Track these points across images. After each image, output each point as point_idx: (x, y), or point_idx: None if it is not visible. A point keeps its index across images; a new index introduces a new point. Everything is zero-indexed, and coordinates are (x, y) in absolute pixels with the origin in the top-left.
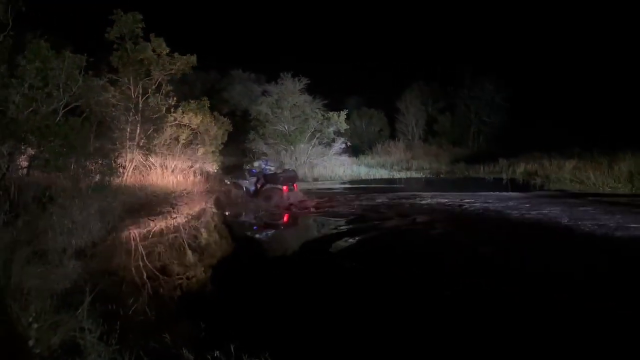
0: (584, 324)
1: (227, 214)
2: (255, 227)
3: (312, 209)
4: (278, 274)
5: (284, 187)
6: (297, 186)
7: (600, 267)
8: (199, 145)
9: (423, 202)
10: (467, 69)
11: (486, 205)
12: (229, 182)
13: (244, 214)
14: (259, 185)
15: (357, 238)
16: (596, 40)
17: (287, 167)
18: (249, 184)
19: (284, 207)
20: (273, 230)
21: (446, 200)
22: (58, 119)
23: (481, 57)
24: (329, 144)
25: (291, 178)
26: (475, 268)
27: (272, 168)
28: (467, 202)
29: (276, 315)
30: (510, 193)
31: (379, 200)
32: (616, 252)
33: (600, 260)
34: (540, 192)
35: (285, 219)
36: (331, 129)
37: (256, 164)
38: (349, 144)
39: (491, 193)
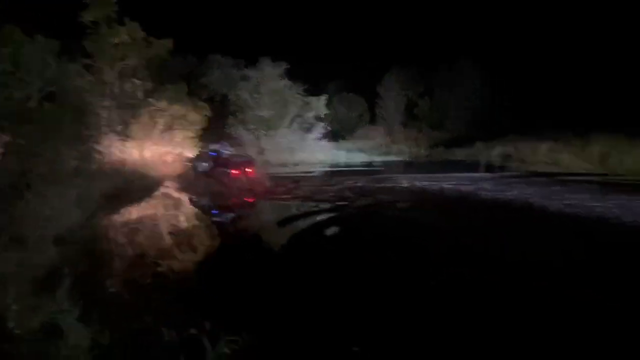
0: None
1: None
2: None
3: (272, 194)
4: None
5: (234, 171)
6: (254, 171)
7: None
8: (178, 131)
9: (396, 184)
10: (445, 53)
11: (458, 187)
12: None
13: (195, 197)
14: (209, 169)
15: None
16: (572, 24)
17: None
18: (201, 167)
19: (231, 190)
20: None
21: (421, 183)
22: (33, 104)
23: (459, 41)
24: (309, 129)
25: (243, 163)
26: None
27: (228, 152)
28: (436, 184)
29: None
30: (483, 174)
31: (351, 184)
32: (582, 231)
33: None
34: (513, 174)
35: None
36: (311, 114)
37: (216, 147)
38: (329, 129)
39: (465, 174)
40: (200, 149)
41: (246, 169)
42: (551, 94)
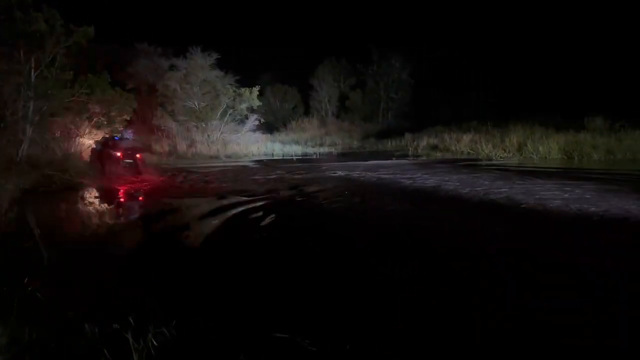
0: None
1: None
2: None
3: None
4: None
5: (119, 154)
6: (142, 158)
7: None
8: (104, 122)
9: (324, 174)
10: (375, 46)
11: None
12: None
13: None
14: (99, 150)
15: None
16: (498, 19)
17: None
18: (98, 147)
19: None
20: None
21: (348, 173)
22: None
23: (388, 34)
24: (242, 121)
25: (130, 148)
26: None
27: (129, 139)
28: (360, 172)
29: None
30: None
31: (273, 175)
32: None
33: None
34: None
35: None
36: (244, 106)
37: (123, 134)
38: (262, 120)
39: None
40: (105, 135)
41: (135, 155)
42: (472, 85)
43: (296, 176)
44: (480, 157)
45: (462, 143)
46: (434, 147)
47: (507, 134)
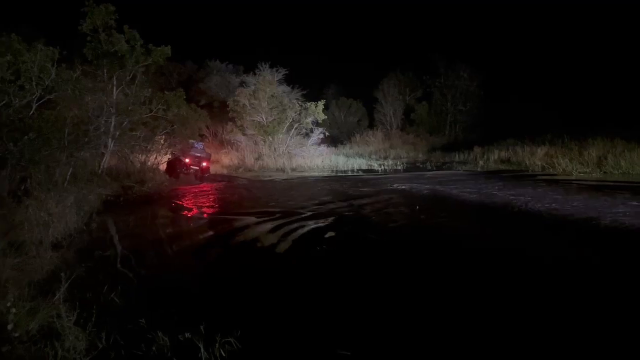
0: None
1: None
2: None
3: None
4: None
5: (187, 160)
6: (208, 167)
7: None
8: (177, 137)
9: (387, 188)
10: (441, 58)
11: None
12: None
13: None
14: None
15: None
16: (569, 28)
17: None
18: (172, 156)
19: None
20: None
21: (412, 186)
22: (32, 112)
23: (455, 45)
24: (307, 134)
25: (198, 157)
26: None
27: (200, 148)
28: (428, 186)
29: None
30: (472, 174)
31: (340, 188)
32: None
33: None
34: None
35: None
36: (309, 119)
37: (199, 145)
38: (327, 134)
39: (457, 175)
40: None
41: (203, 162)
42: (548, 96)
43: (363, 189)
44: (556, 172)
45: (537, 157)
46: (506, 161)
47: (586, 148)
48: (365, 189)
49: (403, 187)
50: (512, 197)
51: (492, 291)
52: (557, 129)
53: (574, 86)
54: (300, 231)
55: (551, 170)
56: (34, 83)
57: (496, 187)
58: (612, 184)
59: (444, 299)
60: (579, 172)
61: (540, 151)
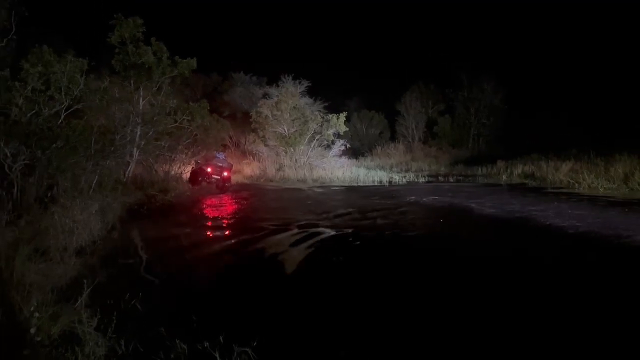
0: None
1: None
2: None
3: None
4: None
5: (209, 169)
6: (229, 177)
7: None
8: (200, 147)
9: (404, 201)
10: (465, 71)
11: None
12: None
13: None
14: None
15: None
16: (594, 42)
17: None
18: (196, 165)
19: (203, 178)
20: None
21: (433, 199)
22: (60, 121)
23: (479, 58)
24: (328, 146)
25: (220, 167)
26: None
27: (221, 158)
28: (451, 200)
29: None
30: (495, 188)
31: (359, 201)
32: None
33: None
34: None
35: None
36: (331, 131)
37: (220, 155)
38: (348, 146)
39: (481, 190)
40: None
41: (224, 171)
42: (573, 111)
43: (384, 201)
44: (581, 188)
45: (561, 172)
46: (530, 175)
47: (612, 164)
48: (386, 201)
49: (424, 199)
50: (535, 213)
51: (506, 310)
52: (582, 144)
53: (599, 101)
54: (320, 241)
55: (576, 185)
56: (63, 93)
57: (522, 203)
58: (638, 201)
59: (456, 316)
60: (605, 189)
61: (565, 166)
